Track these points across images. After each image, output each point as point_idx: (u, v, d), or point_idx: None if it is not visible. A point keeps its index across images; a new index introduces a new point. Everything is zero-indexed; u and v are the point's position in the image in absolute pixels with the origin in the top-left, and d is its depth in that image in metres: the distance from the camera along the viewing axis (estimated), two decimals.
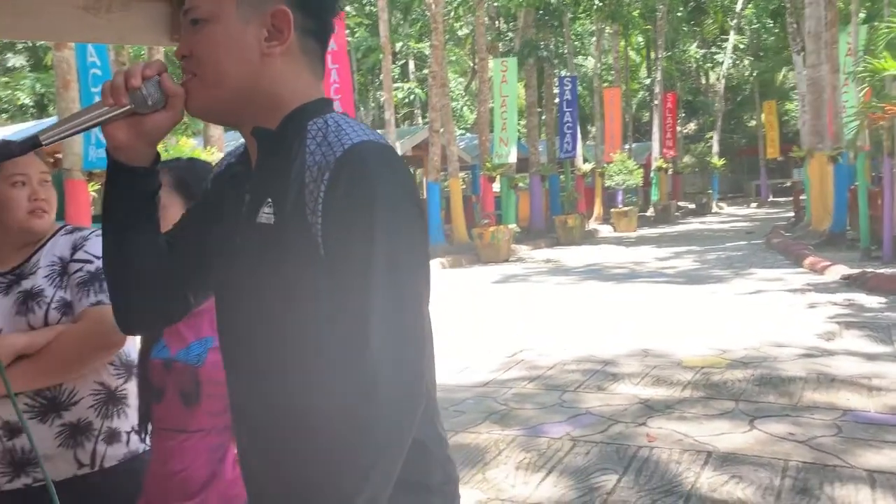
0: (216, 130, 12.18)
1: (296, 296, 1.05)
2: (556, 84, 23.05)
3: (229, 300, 1.19)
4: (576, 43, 27.49)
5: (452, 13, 23.65)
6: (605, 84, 27.23)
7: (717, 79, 34.44)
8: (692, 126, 39.74)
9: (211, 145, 11.66)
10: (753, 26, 33.67)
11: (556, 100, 22.89)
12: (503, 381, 5.76)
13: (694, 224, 23.85)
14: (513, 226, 16.63)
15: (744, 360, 5.96)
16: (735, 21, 32.71)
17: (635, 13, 26.29)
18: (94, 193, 10.54)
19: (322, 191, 1.03)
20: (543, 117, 25.01)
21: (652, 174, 26.92)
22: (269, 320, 1.09)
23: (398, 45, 25.33)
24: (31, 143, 1.11)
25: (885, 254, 10.61)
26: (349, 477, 0.98)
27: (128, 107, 1.10)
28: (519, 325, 8.08)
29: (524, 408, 5.05)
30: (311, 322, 1.03)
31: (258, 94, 1.11)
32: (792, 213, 21.09)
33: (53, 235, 1.89)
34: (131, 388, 1.90)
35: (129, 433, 1.90)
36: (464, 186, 22.18)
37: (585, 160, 24.31)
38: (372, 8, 24.03)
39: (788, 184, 32.12)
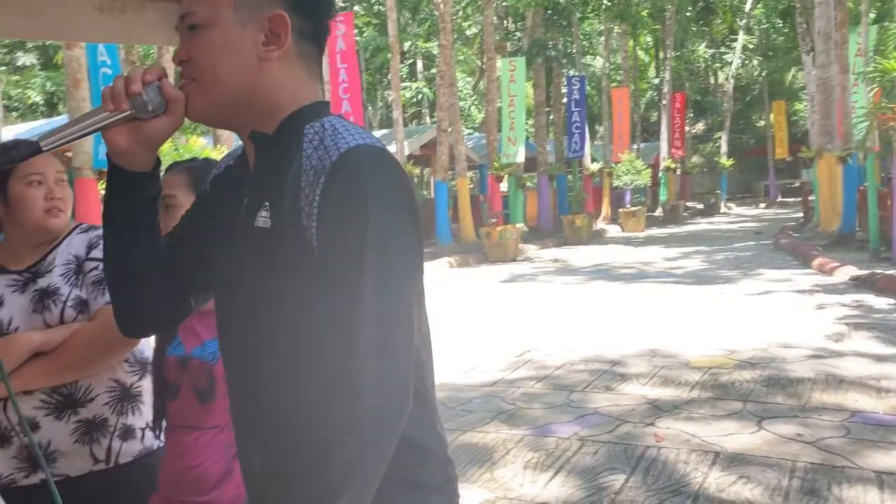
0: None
1: (292, 299, 1.06)
2: (565, 84, 23.03)
3: (228, 302, 1.20)
4: (584, 42, 27.47)
5: (461, 13, 23.66)
6: (614, 84, 27.21)
7: (726, 79, 34.35)
8: (701, 126, 39.65)
9: (221, 144, 11.69)
10: (763, 26, 33.56)
11: (565, 99, 22.87)
12: (511, 381, 5.77)
13: (702, 224, 23.80)
14: (520, 225, 16.63)
15: (752, 360, 5.96)
16: (744, 21, 32.61)
17: (644, 13, 26.24)
18: (104, 192, 10.56)
19: (317, 195, 1.03)
20: (551, 117, 24.99)
21: (660, 174, 26.87)
22: (266, 322, 1.10)
23: (406, 44, 25.35)
24: (32, 150, 1.12)
25: (895, 255, 10.57)
26: (333, 477, 0.99)
27: (128, 112, 1.11)
28: (526, 324, 8.08)
29: (532, 407, 5.06)
30: (307, 324, 1.04)
31: (256, 98, 1.12)
32: (801, 214, 21.03)
33: (69, 234, 1.91)
34: (146, 386, 1.93)
35: (143, 430, 1.92)
36: (471, 186, 22.19)
37: (593, 160, 24.29)
38: (380, 7, 24.05)
39: (797, 184, 32.05)
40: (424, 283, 1.13)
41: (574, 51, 24.12)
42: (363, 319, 1.00)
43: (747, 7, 31.88)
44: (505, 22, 24.63)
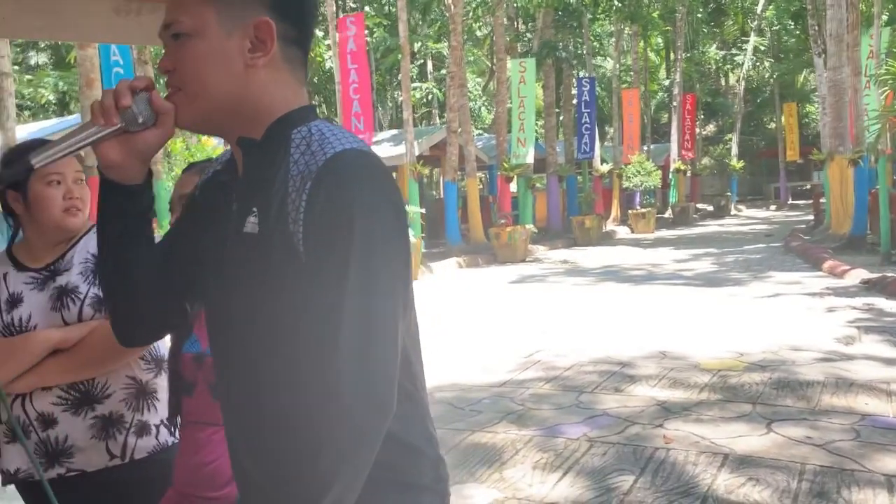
0: None
1: (280, 303, 1.07)
2: (575, 85, 23.01)
3: (218, 307, 1.20)
4: (594, 44, 27.43)
5: (471, 14, 23.68)
6: (624, 85, 27.18)
7: (737, 80, 34.24)
8: (711, 128, 39.53)
9: None
10: (774, 28, 33.44)
11: (575, 101, 22.85)
12: (520, 382, 5.78)
13: (712, 226, 23.73)
14: (530, 226, 16.62)
15: (761, 363, 5.95)
16: (755, 23, 32.51)
17: (655, 14, 26.20)
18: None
19: (304, 200, 1.03)
20: (561, 118, 24.96)
21: (670, 176, 26.82)
22: (255, 327, 1.10)
23: (417, 45, 25.36)
24: (23, 168, 1.12)
25: None
26: (313, 479, 0.99)
27: (119, 126, 1.11)
28: (536, 325, 8.09)
29: (541, 408, 5.07)
30: (294, 328, 1.04)
31: (243, 105, 1.12)
32: (811, 217, 20.94)
33: (87, 233, 1.94)
34: (161, 383, 1.95)
35: (157, 426, 1.95)
36: (481, 186, 22.18)
37: (603, 161, 24.27)
38: (391, 8, 24.08)
39: (808, 187, 31.89)
40: (412, 286, 1.14)
41: (584, 52, 24.08)
42: (347, 323, 1.00)
43: (759, 9, 31.77)
44: (515, 23, 24.62)
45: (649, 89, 32.14)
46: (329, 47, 19.92)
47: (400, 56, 16.64)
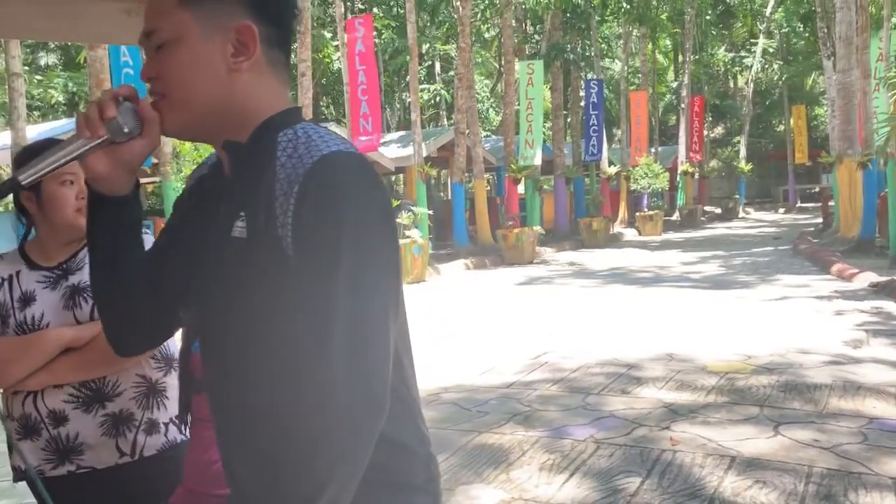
0: None
1: (270, 307, 1.07)
2: (583, 87, 23.01)
3: (209, 312, 1.20)
4: (603, 46, 27.41)
5: (479, 16, 23.68)
6: (632, 87, 27.16)
7: (746, 83, 34.17)
8: (719, 130, 39.45)
9: None
10: (783, 30, 33.36)
11: (582, 103, 22.85)
12: (527, 383, 5.78)
13: (720, 229, 23.68)
14: (537, 228, 16.62)
15: (769, 366, 5.94)
16: (764, 25, 32.43)
17: (663, 16, 26.18)
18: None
19: (291, 204, 1.03)
20: (569, 120, 24.98)
21: (678, 178, 26.79)
22: (245, 331, 1.11)
23: (425, 46, 25.40)
24: (11, 185, 1.11)
25: None
26: (309, 480, 1.00)
27: (105, 137, 1.11)
28: (543, 327, 8.09)
29: (548, 409, 5.08)
30: (285, 332, 1.04)
31: (228, 109, 1.12)
32: (820, 220, 20.87)
33: None
34: (171, 381, 1.97)
35: (167, 424, 1.96)
36: (489, 188, 22.21)
37: (611, 163, 24.25)
38: (399, 10, 24.14)
39: (817, 189, 31.75)
40: (402, 287, 1.14)
41: (592, 54, 24.09)
42: (339, 325, 1.00)
43: (768, 11, 31.71)
44: (524, 25, 24.60)
45: (657, 91, 32.10)
46: (337, 48, 19.96)
47: (408, 57, 16.67)
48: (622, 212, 23.49)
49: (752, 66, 32.55)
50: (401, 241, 12.78)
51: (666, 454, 4.10)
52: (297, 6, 1.20)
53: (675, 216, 26.03)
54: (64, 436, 1.85)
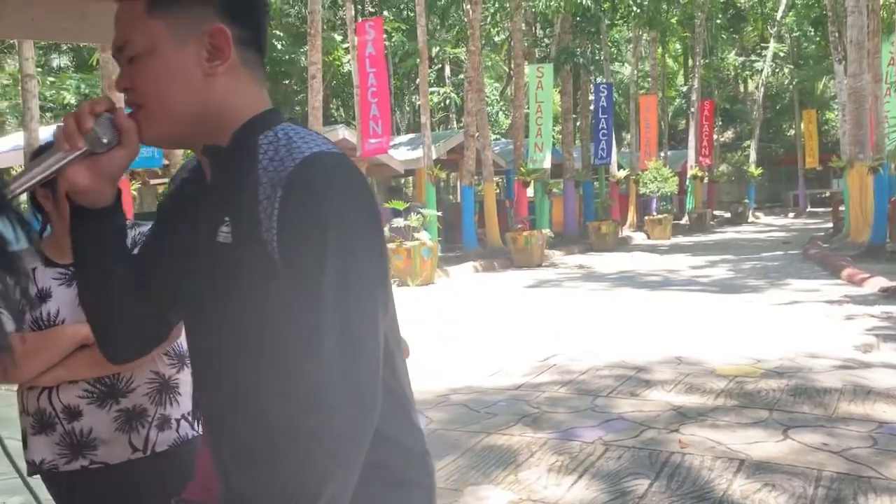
0: None
1: (258, 312, 1.07)
2: (592, 90, 23.00)
3: (196, 318, 1.20)
4: (612, 50, 27.41)
5: (489, 19, 23.71)
6: (642, 91, 27.11)
7: (756, 87, 34.08)
8: (729, 134, 39.35)
9: None
10: (794, 34, 33.27)
11: (592, 106, 22.84)
12: (536, 385, 5.79)
13: (729, 233, 23.61)
14: (546, 231, 16.62)
15: (778, 369, 5.93)
16: (775, 29, 32.36)
17: (673, 20, 26.13)
18: (133, 192, 10.78)
19: (276, 207, 1.02)
20: (579, 123, 24.98)
21: (687, 182, 26.73)
22: (234, 336, 1.11)
23: (435, 49, 25.44)
24: None
25: None
26: (307, 482, 1.00)
27: (84, 149, 1.10)
28: (551, 329, 8.09)
29: (556, 411, 5.08)
30: (275, 337, 1.05)
31: (207, 114, 1.11)
32: (830, 224, 20.78)
33: None
34: (183, 377, 1.98)
35: (178, 420, 1.98)
36: (498, 191, 22.22)
37: (620, 167, 24.22)
38: (410, 13, 24.20)
39: (827, 194, 31.65)
40: (391, 282, 1.14)
41: (602, 58, 24.07)
42: (328, 327, 1.00)
43: (779, 15, 31.63)
44: (533, 28, 24.63)
45: (667, 95, 32.07)
46: (348, 51, 20.01)
47: (418, 60, 16.71)
48: (631, 215, 23.45)
49: (762, 70, 32.47)
50: (409, 244, 12.85)
51: (675, 457, 4.10)
52: (268, 4, 1.19)
53: (685, 220, 25.97)
54: (78, 430, 1.88)
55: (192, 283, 1.18)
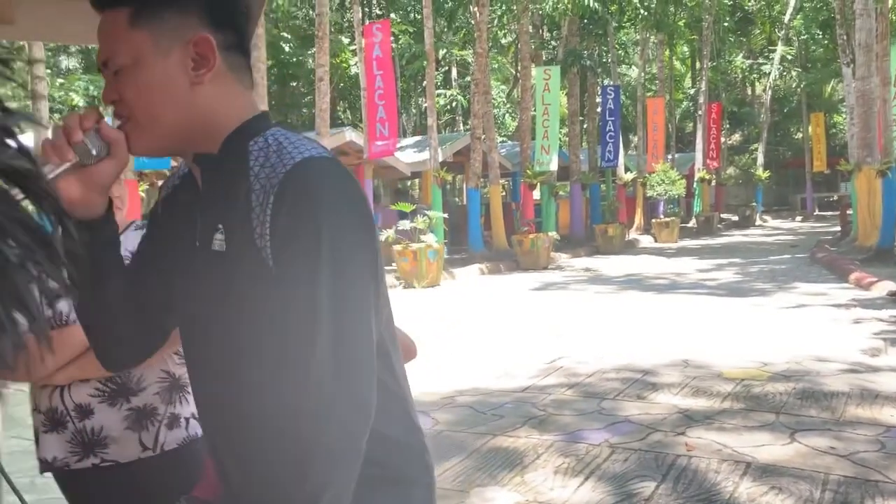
0: None
1: (254, 319, 1.07)
2: (599, 93, 23.00)
3: (192, 326, 1.21)
4: (620, 52, 27.39)
5: (496, 21, 23.74)
6: (649, 93, 27.09)
7: (764, 90, 34.01)
8: (737, 137, 39.29)
9: None
10: (802, 37, 33.20)
11: (599, 109, 22.83)
12: (542, 387, 5.79)
13: (737, 236, 23.56)
14: (552, 234, 16.62)
15: (785, 373, 5.92)
16: (783, 32, 32.28)
17: (681, 23, 26.12)
18: (141, 193, 10.83)
19: (268, 214, 1.03)
20: (585, 126, 24.96)
21: (695, 185, 26.70)
22: (232, 342, 1.11)
23: (442, 52, 25.48)
24: None
25: None
26: (305, 489, 1.01)
27: (74, 161, 1.09)
28: (557, 332, 8.09)
29: (563, 414, 5.08)
30: (270, 342, 1.05)
31: (195, 123, 1.11)
32: (838, 228, 20.73)
33: (125, 230, 1.99)
34: None
35: (188, 419, 2.00)
36: (504, 193, 22.22)
37: (627, 169, 24.20)
38: (417, 16, 24.23)
39: (835, 198, 31.57)
40: (385, 281, 1.15)
41: (609, 60, 24.07)
42: (322, 331, 1.01)
43: (786, 18, 31.56)
44: (540, 31, 24.67)
45: (674, 98, 32.05)
46: (355, 53, 20.05)
47: (425, 63, 16.74)
48: (638, 218, 23.43)
49: (770, 73, 32.41)
50: (415, 246, 12.86)
51: (681, 459, 4.10)
52: (248, 5, 1.18)
53: (692, 223, 25.94)
54: (89, 429, 1.89)
55: (188, 290, 1.19)
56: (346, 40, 24.47)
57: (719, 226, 26.55)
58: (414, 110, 29.35)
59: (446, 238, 15.12)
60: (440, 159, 16.05)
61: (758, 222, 29.88)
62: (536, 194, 19.14)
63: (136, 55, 1.08)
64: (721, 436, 4.46)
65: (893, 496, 3.53)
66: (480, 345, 7.61)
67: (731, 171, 34.49)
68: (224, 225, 1.09)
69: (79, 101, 22.07)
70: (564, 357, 6.80)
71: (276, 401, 1.03)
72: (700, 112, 27.22)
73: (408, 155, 19.05)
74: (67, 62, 24.99)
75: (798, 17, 31.48)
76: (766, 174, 31.22)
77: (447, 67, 28.86)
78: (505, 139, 28.25)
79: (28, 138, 12.52)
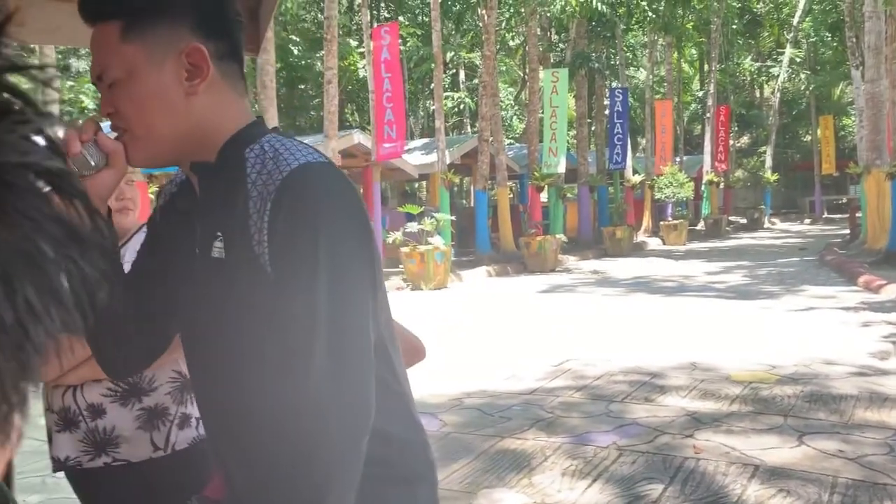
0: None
1: (255, 324, 1.09)
2: (607, 95, 22.98)
3: (193, 330, 1.22)
4: (628, 54, 27.36)
5: (504, 24, 23.75)
6: (657, 96, 27.06)
7: (772, 92, 33.91)
8: (745, 140, 39.18)
9: None
10: (811, 40, 33.09)
11: (607, 111, 22.82)
12: (550, 390, 5.79)
13: (745, 239, 23.49)
14: (560, 236, 16.61)
15: (793, 376, 5.90)
16: (792, 34, 32.19)
17: (689, 25, 26.08)
18: (151, 195, 10.88)
19: (266, 221, 1.04)
20: (593, 128, 24.95)
21: (703, 187, 26.64)
22: (233, 348, 1.13)
23: (449, 54, 25.51)
24: None
25: None
26: (309, 490, 1.01)
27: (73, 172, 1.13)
28: (565, 334, 8.09)
29: (571, 416, 5.08)
30: (272, 346, 1.06)
31: (191, 133, 1.12)
32: (847, 231, 20.65)
33: (138, 231, 2.02)
34: None
35: (198, 419, 2.01)
36: (511, 196, 22.22)
37: (635, 172, 24.16)
38: (425, 18, 24.27)
39: (844, 200, 31.46)
40: (383, 282, 1.16)
41: (618, 63, 24.06)
42: (320, 336, 1.02)
43: (795, 20, 31.47)
44: (548, 33, 24.65)
45: (682, 100, 31.95)
46: (363, 56, 20.10)
47: (433, 65, 16.76)
48: (646, 221, 23.38)
49: (778, 75, 32.31)
50: (423, 248, 12.88)
51: (689, 462, 4.10)
52: (238, 11, 1.19)
53: (700, 226, 25.88)
54: (101, 428, 1.91)
55: (188, 297, 1.20)
56: (354, 43, 24.53)
57: (727, 228, 26.48)
58: (422, 113, 29.39)
59: (454, 240, 15.13)
60: (448, 161, 16.06)
61: (766, 225, 29.79)
62: (544, 196, 19.13)
63: (130, 68, 1.08)
64: (729, 438, 4.46)
65: None
66: (488, 347, 7.61)
67: (739, 173, 34.44)
68: (223, 232, 1.11)
69: (88, 103, 22.20)
70: (572, 359, 6.80)
71: (276, 404, 1.04)
72: (708, 114, 27.17)
73: (415, 157, 19.06)
74: (77, 64, 25.12)
75: (807, 19, 31.39)
76: (775, 177, 31.11)
77: (455, 70, 28.89)
78: (512, 141, 28.26)
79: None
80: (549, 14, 21.25)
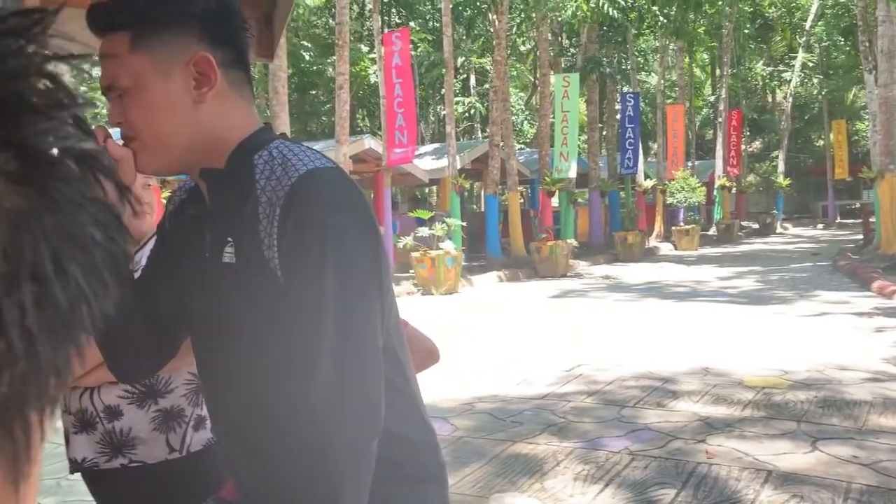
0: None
1: (265, 330, 1.10)
2: (619, 100, 22.95)
3: (204, 337, 1.23)
4: (639, 59, 27.34)
5: (515, 29, 23.77)
6: (669, 101, 27.00)
7: (784, 97, 33.78)
8: (757, 144, 39.03)
9: None
10: (823, 44, 32.95)
11: (618, 116, 22.79)
12: (561, 395, 5.79)
13: (757, 244, 23.39)
14: (571, 241, 16.58)
15: (807, 381, 5.88)
16: (804, 38, 32.07)
17: (701, 30, 26.01)
18: (164, 200, 10.95)
19: (275, 226, 1.05)
20: (605, 133, 24.92)
21: (715, 192, 26.55)
22: (243, 353, 1.14)
23: (460, 59, 25.56)
24: None
25: None
26: (319, 494, 1.02)
27: None
28: (577, 339, 8.08)
29: (582, 421, 5.08)
30: (282, 352, 1.07)
31: (200, 140, 1.13)
32: (860, 236, 20.52)
33: (153, 237, 2.04)
34: None
35: None
36: (522, 201, 22.22)
37: (647, 177, 24.11)
38: (436, 24, 24.33)
39: (857, 205, 31.26)
40: (391, 287, 1.17)
41: (629, 67, 24.03)
42: (328, 343, 1.03)
43: (807, 25, 31.36)
44: (559, 38, 24.66)
45: (694, 105, 31.88)
46: (374, 61, 20.17)
47: (444, 70, 16.79)
48: (658, 226, 23.32)
49: (790, 80, 32.19)
50: (433, 253, 12.89)
51: (701, 467, 4.08)
52: (244, 18, 1.20)
53: (712, 231, 25.79)
54: (118, 430, 1.93)
55: (199, 303, 1.22)
56: (365, 48, 24.62)
57: (740, 233, 26.36)
58: (432, 118, 29.44)
59: (464, 245, 15.14)
60: (458, 166, 16.07)
61: (778, 230, 29.64)
62: (555, 201, 19.11)
63: (138, 78, 1.09)
64: (742, 444, 4.44)
65: None
66: (499, 352, 7.61)
67: (751, 178, 34.28)
68: (233, 238, 1.12)
69: (102, 109, 22.37)
70: (584, 364, 6.79)
71: (287, 407, 1.05)
72: (720, 119, 27.09)
73: (426, 162, 19.09)
74: (96, 71, 25.31)
75: (819, 23, 31.26)
76: (787, 182, 30.96)
77: (466, 75, 28.93)
78: (523, 146, 28.26)
79: None
80: (560, 19, 21.26)
